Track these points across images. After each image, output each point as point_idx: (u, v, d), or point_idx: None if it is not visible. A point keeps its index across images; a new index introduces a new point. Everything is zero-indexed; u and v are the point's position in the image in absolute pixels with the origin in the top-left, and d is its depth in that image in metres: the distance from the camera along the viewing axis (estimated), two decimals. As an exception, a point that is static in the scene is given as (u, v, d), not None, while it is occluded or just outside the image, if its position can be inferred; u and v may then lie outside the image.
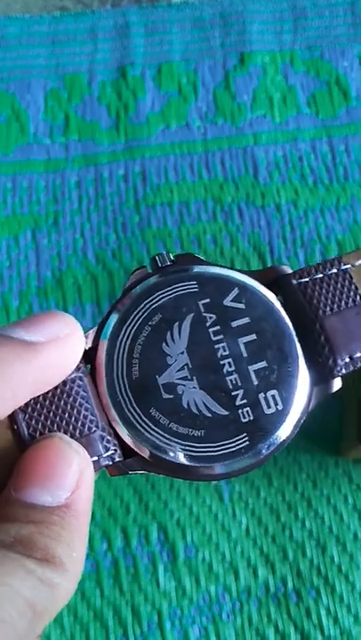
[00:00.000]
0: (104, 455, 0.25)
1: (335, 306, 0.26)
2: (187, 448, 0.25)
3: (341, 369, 0.26)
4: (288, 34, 0.50)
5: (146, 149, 0.47)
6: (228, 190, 0.47)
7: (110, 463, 0.25)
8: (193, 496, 0.41)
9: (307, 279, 0.27)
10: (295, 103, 0.48)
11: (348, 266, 0.27)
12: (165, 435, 0.25)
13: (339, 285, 0.27)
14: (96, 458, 0.24)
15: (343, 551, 0.40)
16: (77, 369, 0.25)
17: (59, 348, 0.23)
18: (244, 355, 0.26)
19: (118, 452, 0.25)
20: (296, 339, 0.26)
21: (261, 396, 0.25)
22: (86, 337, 0.26)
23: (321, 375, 0.26)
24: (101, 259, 0.45)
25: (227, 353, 0.26)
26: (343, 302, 0.26)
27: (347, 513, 0.40)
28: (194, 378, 0.25)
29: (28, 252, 0.46)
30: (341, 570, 0.39)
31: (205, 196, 0.46)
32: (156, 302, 0.27)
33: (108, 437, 0.25)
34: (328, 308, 0.26)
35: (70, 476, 0.23)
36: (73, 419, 0.24)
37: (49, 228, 0.46)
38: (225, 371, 0.26)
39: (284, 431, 0.25)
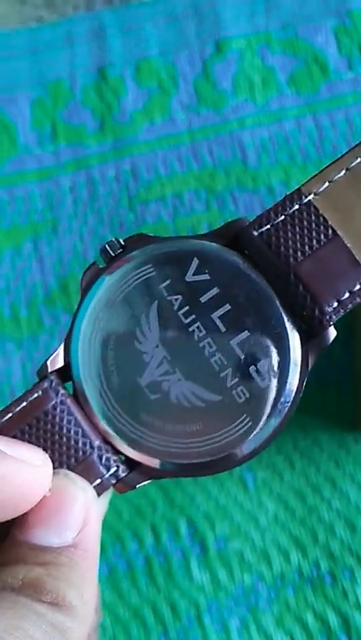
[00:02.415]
0: (107, 475, 0.22)
1: (306, 248, 0.21)
2: (189, 445, 0.21)
3: (331, 316, 0.21)
4: (261, 16, 0.46)
5: (133, 147, 0.44)
6: (218, 178, 0.43)
7: (115, 481, 0.22)
8: (218, 488, 0.38)
9: (268, 226, 0.22)
10: (275, 84, 0.44)
11: (311, 196, 0.22)
12: (164, 437, 0.22)
13: (305, 223, 0.22)
14: (99, 480, 0.22)
15: (373, 529, 0.37)
16: (56, 393, 0.22)
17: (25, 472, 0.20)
18: (223, 330, 0.22)
19: (122, 467, 0.22)
20: (275, 296, 0.22)
21: (252, 369, 0.21)
22: (56, 355, 0.22)
23: (311, 329, 0.22)
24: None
25: (203, 333, 0.22)
26: (314, 241, 0.22)
27: (372, 489, 0.37)
28: (176, 369, 0.22)
29: (31, 262, 0.43)
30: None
31: (197, 187, 0.43)
32: (115, 300, 0.22)
33: (107, 455, 0.22)
34: (299, 253, 0.21)
35: (76, 514, 0.20)
36: (64, 448, 0.21)
37: (49, 236, 0.43)
38: (207, 352, 0.22)
39: (287, 399, 0.22)
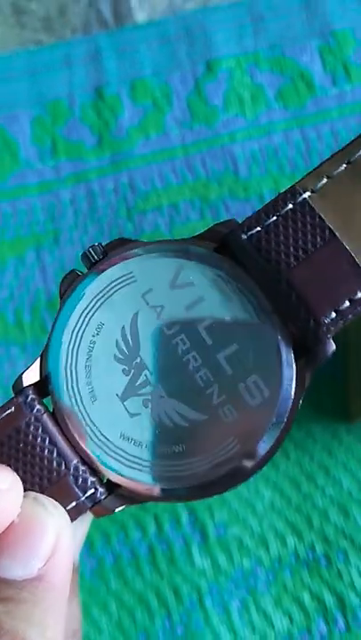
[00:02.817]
0: (83, 498, 0.20)
1: (300, 252, 0.19)
2: (172, 468, 0.19)
3: (329, 328, 0.19)
4: (249, 38, 0.48)
5: (130, 161, 0.46)
6: (212, 188, 0.45)
7: (92, 505, 0.20)
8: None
9: (258, 228, 0.19)
10: (264, 100, 0.46)
11: (307, 194, 0.20)
12: (145, 458, 0.20)
13: (299, 224, 0.19)
14: (74, 503, 0.20)
15: (365, 512, 0.38)
16: (30, 409, 0.20)
17: None
18: (209, 342, 0.19)
19: (100, 489, 0.20)
20: (267, 305, 0.19)
21: (241, 386, 0.19)
22: (32, 368, 0.21)
23: (307, 342, 0.19)
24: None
25: (188, 345, 0.19)
26: (310, 244, 0.19)
27: (364, 476, 0.39)
28: (158, 385, 0.20)
29: (34, 271, 0.44)
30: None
31: (192, 197, 0.45)
32: (94, 309, 0.20)
33: (84, 476, 0.20)
34: (292, 258, 0.19)
35: (45, 542, 0.18)
36: (37, 468, 0.19)
37: (50, 246, 0.44)
38: (191, 367, 0.19)
39: (280, 419, 0.19)
